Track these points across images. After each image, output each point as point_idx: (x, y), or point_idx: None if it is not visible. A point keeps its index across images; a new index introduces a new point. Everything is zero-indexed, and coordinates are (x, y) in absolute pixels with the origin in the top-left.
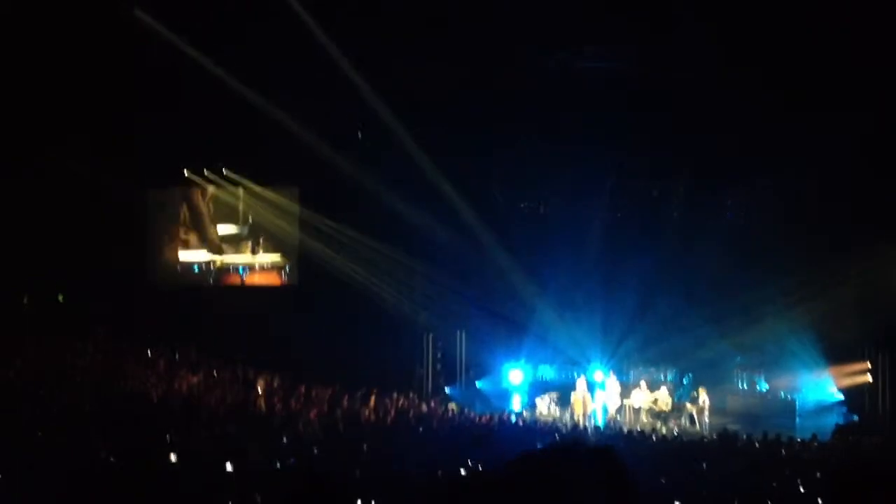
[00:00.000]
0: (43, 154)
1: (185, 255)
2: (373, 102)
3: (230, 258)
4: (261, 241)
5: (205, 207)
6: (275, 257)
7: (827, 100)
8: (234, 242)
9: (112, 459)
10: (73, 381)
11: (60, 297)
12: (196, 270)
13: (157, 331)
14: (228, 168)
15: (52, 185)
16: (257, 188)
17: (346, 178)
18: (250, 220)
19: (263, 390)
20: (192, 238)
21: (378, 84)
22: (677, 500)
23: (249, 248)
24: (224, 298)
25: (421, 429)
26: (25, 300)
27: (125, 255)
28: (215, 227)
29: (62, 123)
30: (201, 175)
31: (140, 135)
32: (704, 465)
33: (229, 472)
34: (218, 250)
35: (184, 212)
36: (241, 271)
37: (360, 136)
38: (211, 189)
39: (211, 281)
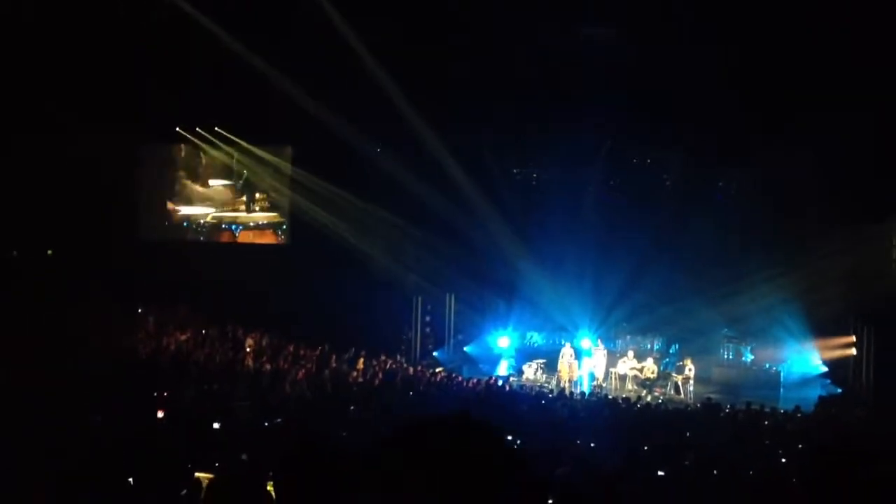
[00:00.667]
0: (33, 109)
1: (175, 211)
2: (367, 65)
3: (222, 214)
4: (255, 197)
5: (196, 164)
6: (271, 215)
7: (817, 79)
8: (227, 198)
9: (99, 416)
10: (63, 337)
11: (49, 252)
12: (186, 226)
13: (146, 287)
14: (221, 126)
15: (43, 140)
16: (249, 146)
17: (340, 140)
18: (244, 177)
19: (252, 349)
20: (184, 194)
21: (373, 47)
22: (659, 467)
23: (244, 206)
24: (214, 256)
25: (411, 392)
26: (15, 254)
27: (116, 211)
28: (207, 182)
29: (54, 79)
30: (193, 132)
31: (132, 90)
32: (688, 434)
33: (217, 430)
34: (210, 205)
35: (175, 167)
36: (233, 229)
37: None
38: (203, 146)
39: (201, 238)
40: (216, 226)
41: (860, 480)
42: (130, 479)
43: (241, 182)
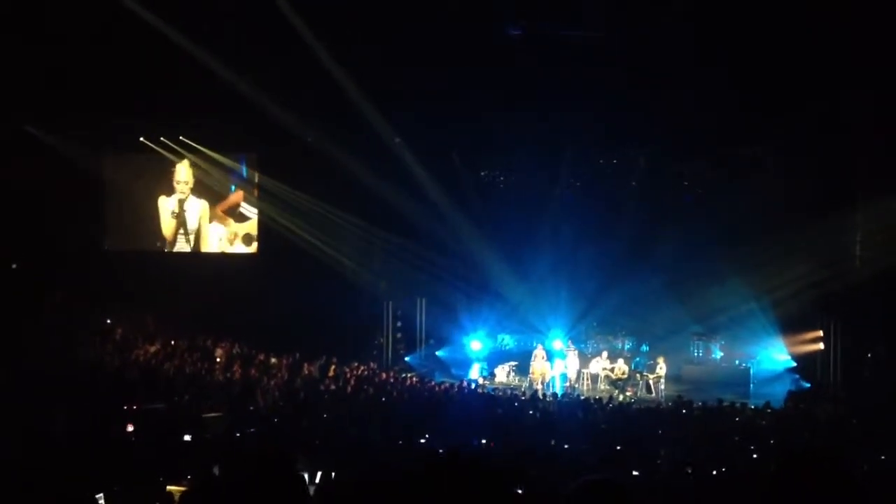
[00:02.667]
0: None
1: (141, 221)
2: (332, 69)
3: (190, 224)
4: (223, 206)
5: (162, 173)
6: (238, 224)
7: (785, 74)
8: (193, 208)
9: (68, 429)
10: (28, 350)
11: (13, 266)
12: (153, 236)
13: (113, 299)
14: (185, 136)
15: (5, 151)
16: (215, 155)
17: (306, 146)
18: (210, 186)
19: (222, 359)
20: (149, 204)
21: (338, 51)
22: (632, 466)
23: (211, 215)
24: (182, 266)
25: (383, 398)
26: None
27: (81, 222)
28: (173, 192)
29: (15, 88)
30: (158, 142)
31: (96, 100)
32: (660, 433)
33: (188, 443)
34: (177, 215)
35: (141, 178)
36: (200, 237)
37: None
38: (168, 155)
39: (168, 248)
40: (183, 235)
41: (826, 481)
42: (101, 495)
43: (206, 191)
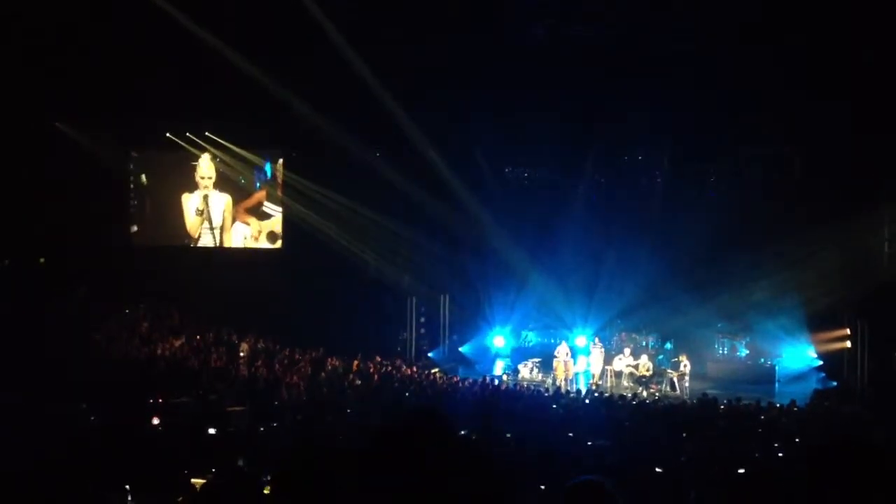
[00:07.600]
0: (22, 115)
1: (168, 217)
2: (357, 67)
3: (215, 219)
4: (248, 202)
5: (189, 169)
6: (264, 221)
7: (808, 69)
8: (219, 204)
9: (94, 423)
10: (55, 344)
11: (41, 260)
12: (180, 231)
13: (140, 293)
14: (211, 131)
15: (33, 146)
16: (241, 151)
17: (331, 143)
18: (236, 182)
19: (247, 354)
20: (176, 199)
21: (363, 48)
22: (656, 463)
23: (237, 211)
24: (208, 261)
25: (406, 394)
26: (6, 263)
27: (108, 217)
28: (200, 187)
29: (41, 83)
30: (184, 137)
31: (123, 95)
32: (684, 430)
33: (213, 436)
34: (203, 211)
35: (167, 173)
36: (226, 233)
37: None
38: (194, 151)
39: (195, 243)
40: (209, 230)
41: (864, 475)
42: (127, 486)
43: (231, 187)
